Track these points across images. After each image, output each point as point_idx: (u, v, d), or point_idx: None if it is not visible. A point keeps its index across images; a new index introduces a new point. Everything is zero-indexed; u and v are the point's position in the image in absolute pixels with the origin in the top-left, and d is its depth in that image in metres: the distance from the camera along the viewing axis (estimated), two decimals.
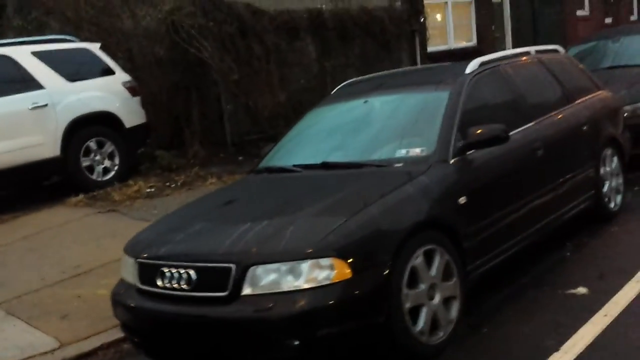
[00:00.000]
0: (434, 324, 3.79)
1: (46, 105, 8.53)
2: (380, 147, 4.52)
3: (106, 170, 9.06)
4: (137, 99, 9.60)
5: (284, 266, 3.39)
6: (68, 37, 9.46)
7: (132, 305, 3.82)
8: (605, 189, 5.77)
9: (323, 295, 3.34)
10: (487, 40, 16.72)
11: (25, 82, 8.51)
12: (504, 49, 16.87)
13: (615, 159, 5.96)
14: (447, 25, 15.69)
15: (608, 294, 4.27)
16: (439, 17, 15.48)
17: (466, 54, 15.70)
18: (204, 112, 10.35)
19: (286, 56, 11.42)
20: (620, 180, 6.04)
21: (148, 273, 3.78)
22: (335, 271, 3.36)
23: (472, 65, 4.93)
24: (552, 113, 5.34)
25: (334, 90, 5.64)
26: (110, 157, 9.12)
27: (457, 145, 4.28)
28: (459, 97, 4.57)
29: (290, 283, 3.37)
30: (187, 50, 9.38)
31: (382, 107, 4.95)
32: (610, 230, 5.59)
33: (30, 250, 6.52)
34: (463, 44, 16.16)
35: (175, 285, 3.61)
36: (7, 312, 5.15)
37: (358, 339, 3.49)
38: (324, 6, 12.54)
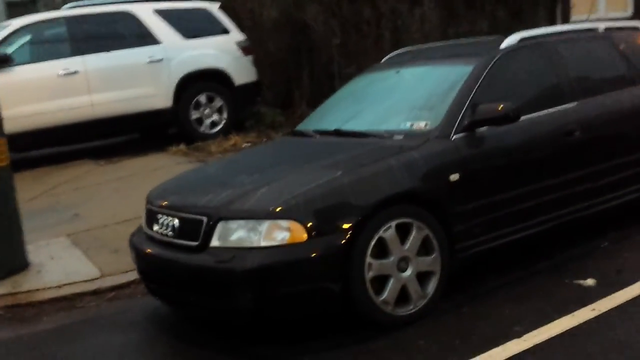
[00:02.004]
0: (404, 297, 3.84)
1: (162, 59, 9.26)
2: (392, 118, 4.54)
3: (214, 124, 9.69)
4: (249, 58, 10.08)
5: (247, 223, 3.61)
6: None
7: (136, 246, 4.24)
8: None
9: (276, 255, 3.52)
10: None
11: (144, 37, 9.29)
12: None
13: None
14: None
15: (612, 289, 4.03)
16: None
17: None
18: (314, 73, 10.62)
19: (405, 21, 11.35)
20: None
21: (150, 219, 4.18)
22: (291, 233, 3.53)
23: (510, 40, 4.74)
24: (606, 94, 5.00)
25: (385, 58, 5.66)
26: (219, 111, 9.73)
27: (464, 121, 4.21)
28: (481, 73, 4.44)
29: (251, 240, 3.59)
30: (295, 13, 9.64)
31: (409, 79, 4.94)
32: None
33: (117, 190, 7.24)
34: (616, 13, 15.01)
35: (164, 232, 3.98)
36: (72, 242, 5.85)
37: (314, 303, 3.64)
38: None
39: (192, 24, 9.76)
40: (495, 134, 4.29)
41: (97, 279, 5.12)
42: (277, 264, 3.51)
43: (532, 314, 3.82)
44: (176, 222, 3.89)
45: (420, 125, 4.28)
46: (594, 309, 3.80)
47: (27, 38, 8.79)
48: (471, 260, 4.21)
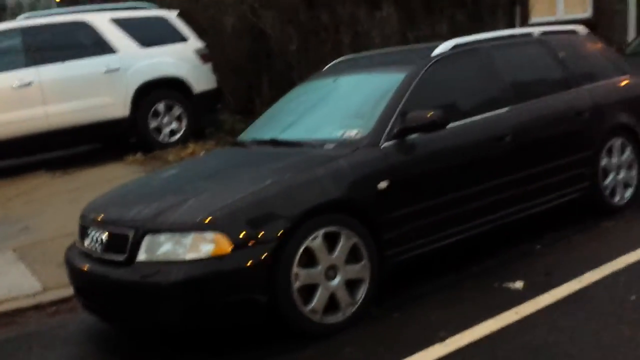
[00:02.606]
0: (333, 305, 3.89)
1: (118, 69, 9.23)
2: (325, 127, 4.61)
3: (173, 132, 9.67)
4: (209, 65, 10.08)
5: (173, 236, 3.65)
6: (147, 5, 10.12)
7: (69, 261, 4.25)
8: (608, 181, 5.43)
9: (200, 268, 3.56)
10: (607, 13, 15.60)
11: (101, 47, 9.25)
12: (624, 23, 15.76)
13: (629, 150, 5.57)
14: None
15: (538, 292, 4.11)
16: None
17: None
18: (273, 80, 10.66)
19: (364, 26, 11.43)
20: (633, 174, 5.64)
21: (82, 234, 4.20)
22: (215, 245, 3.57)
23: (442, 47, 4.82)
24: (540, 98, 5.10)
25: (327, 66, 5.72)
26: (178, 119, 9.71)
27: (394, 129, 4.27)
28: (412, 81, 4.52)
29: (177, 253, 3.62)
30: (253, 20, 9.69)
31: (345, 87, 5.00)
32: (602, 226, 5.28)
33: (70, 202, 7.21)
34: (575, 15, 15.21)
35: (94, 246, 4.00)
36: (18, 256, 5.84)
37: (240, 314, 3.68)
38: None
39: (149, 33, 9.73)
40: (426, 141, 4.36)
41: (39, 293, 5.12)
42: (202, 277, 3.55)
43: (457, 318, 3.89)
44: (104, 236, 3.92)
45: (351, 133, 4.34)
46: (517, 313, 3.88)
47: None
48: (402, 266, 4.28)
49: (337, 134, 4.40)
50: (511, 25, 13.79)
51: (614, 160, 5.49)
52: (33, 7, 19.01)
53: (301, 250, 3.74)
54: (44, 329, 4.61)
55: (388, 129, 4.26)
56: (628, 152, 5.58)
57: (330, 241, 3.88)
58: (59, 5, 19.62)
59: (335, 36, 10.48)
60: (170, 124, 9.64)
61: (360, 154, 4.14)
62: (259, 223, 3.68)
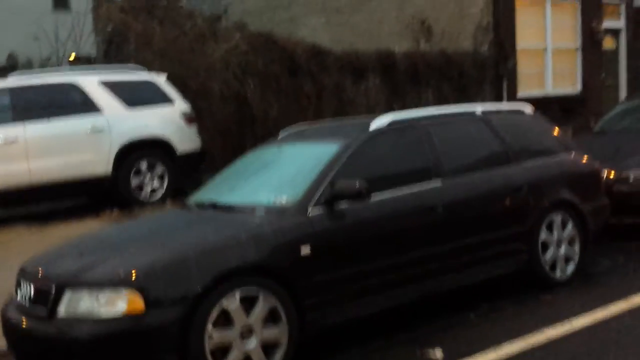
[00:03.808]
0: None
1: (103, 128, 9.56)
2: (261, 193, 4.81)
3: (154, 191, 9.92)
4: (193, 127, 10.40)
5: (90, 293, 3.80)
6: (137, 66, 10.53)
7: (3, 313, 4.39)
8: (548, 255, 5.55)
9: (112, 326, 3.71)
10: (594, 88, 15.95)
11: (87, 106, 9.60)
12: (616, 98, 16.07)
13: (570, 225, 5.71)
14: (545, 71, 15.19)
15: None
16: (535, 62, 15.02)
17: (567, 101, 15.20)
18: (256, 144, 10.94)
19: (349, 95, 11.79)
20: (576, 248, 5.76)
21: (16, 287, 4.36)
22: (129, 304, 3.72)
23: (379, 122, 5.06)
24: (475, 173, 5.28)
25: (280, 133, 5.96)
26: (160, 179, 9.97)
27: (322, 197, 4.45)
28: (345, 152, 4.73)
29: (93, 310, 3.78)
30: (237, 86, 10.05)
31: (286, 155, 5.24)
32: (541, 299, 5.37)
33: None
34: (564, 90, 15.55)
35: (22, 300, 4.16)
36: None
37: None
38: (396, 48, 12.78)
39: (136, 94, 10.08)
40: (354, 210, 4.54)
41: None
42: (113, 335, 3.70)
43: None
44: (32, 289, 4.08)
45: (282, 199, 4.53)
46: None
47: None
48: (324, 331, 4.38)
49: (269, 199, 4.59)
50: (499, 99, 14.14)
51: (555, 235, 5.61)
52: (43, 65, 19.65)
53: (216, 311, 3.87)
54: None
55: (316, 196, 4.45)
56: (569, 228, 5.71)
57: (249, 303, 4.01)
58: (71, 64, 20.32)
59: (318, 103, 10.82)
60: (151, 182, 9.89)
61: (285, 220, 4.32)
62: (175, 283, 3.84)
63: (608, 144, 7.79)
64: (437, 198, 4.93)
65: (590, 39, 15.69)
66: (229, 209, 4.68)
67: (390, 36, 14.17)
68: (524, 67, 14.61)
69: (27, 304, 4.09)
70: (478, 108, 5.75)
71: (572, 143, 6.26)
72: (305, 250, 4.25)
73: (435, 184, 4.99)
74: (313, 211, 4.41)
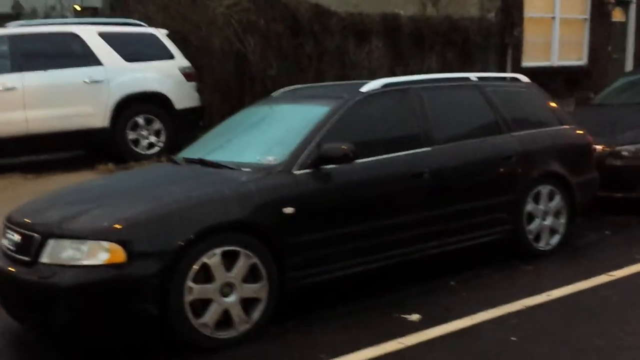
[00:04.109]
0: (227, 321, 4.07)
1: (101, 80, 9.54)
2: (249, 151, 4.82)
3: (151, 145, 9.94)
4: (193, 83, 10.37)
5: (72, 243, 3.86)
6: (137, 22, 10.45)
7: None
8: (533, 226, 5.58)
9: (93, 274, 3.77)
10: (601, 60, 15.81)
11: (87, 58, 9.58)
12: (622, 71, 15.91)
13: (558, 197, 5.73)
14: (552, 41, 15.04)
15: (429, 326, 4.28)
16: (542, 32, 14.85)
17: (572, 73, 15.09)
18: (254, 102, 10.93)
19: (351, 58, 11.71)
20: (562, 221, 5.79)
21: (4, 234, 4.43)
22: (110, 254, 3.78)
23: (372, 85, 5.05)
24: (465, 141, 5.29)
25: (273, 93, 5.95)
26: (157, 134, 9.99)
27: (308, 159, 4.47)
28: (335, 114, 4.74)
29: (76, 258, 3.84)
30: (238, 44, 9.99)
31: (277, 115, 5.24)
32: (521, 269, 5.43)
33: None
34: (570, 62, 15.42)
35: (9, 246, 4.22)
36: None
37: (131, 322, 3.87)
38: (402, 12, 12.65)
39: (136, 48, 10.04)
40: (341, 172, 4.56)
41: None
42: (94, 283, 3.76)
43: (344, 343, 4.06)
44: (17, 237, 4.14)
45: (269, 159, 4.55)
46: (400, 342, 4.05)
47: None
48: (305, 290, 4.45)
49: (256, 158, 4.62)
50: (502, 67, 14.04)
51: (541, 206, 5.64)
52: (48, 15, 19.49)
53: (196, 265, 3.93)
54: None
55: (302, 157, 4.47)
56: (557, 200, 5.74)
57: (230, 259, 4.07)
58: (78, 14, 20.17)
59: (319, 65, 10.76)
60: (148, 137, 9.91)
61: (270, 179, 4.35)
62: (157, 236, 3.89)
63: (605, 118, 7.76)
64: (424, 164, 4.94)
65: (600, 10, 15.51)
66: (216, 165, 4.70)
67: None
68: (531, 36, 14.48)
69: (13, 251, 4.15)
70: (473, 75, 5.72)
71: (566, 116, 6.25)
72: (289, 210, 4.28)
73: (424, 150, 5.00)
74: (299, 172, 4.43)
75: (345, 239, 4.54)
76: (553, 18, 14.91)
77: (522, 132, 5.63)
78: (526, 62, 14.37)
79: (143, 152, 9.80)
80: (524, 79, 6.12)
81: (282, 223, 4.27)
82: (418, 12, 13.33)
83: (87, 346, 4.16)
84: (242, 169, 4.51)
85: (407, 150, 4.95)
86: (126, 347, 4.10)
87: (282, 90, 5.93)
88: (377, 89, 5.04)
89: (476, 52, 13.37)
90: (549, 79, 14.63)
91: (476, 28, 13.25)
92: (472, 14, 13.50)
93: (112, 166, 9.11)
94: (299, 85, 6.17)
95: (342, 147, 4.43)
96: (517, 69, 13.98)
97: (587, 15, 15.35)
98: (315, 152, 4.49)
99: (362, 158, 4.65)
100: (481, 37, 13.36)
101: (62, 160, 10.08)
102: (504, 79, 6.09)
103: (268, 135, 5.01)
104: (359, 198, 4.65)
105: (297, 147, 4.53)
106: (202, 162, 4.84)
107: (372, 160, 4.72)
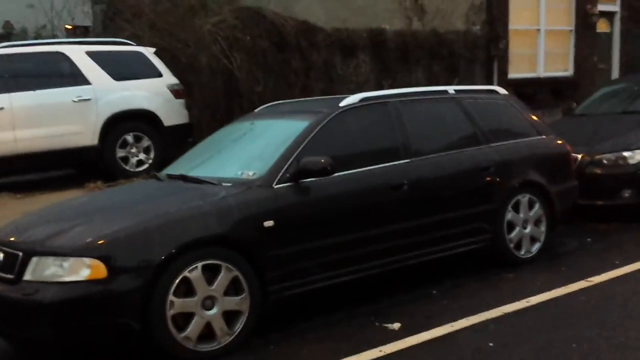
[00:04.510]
0: (209, 333, 4.14)
1: (90, 99, 9.63)
2: (229, 166, 4.91)
3: (140, 163, 10.02)
4: (181, 100, 10.47)
5: (55, 260, 3.94)
6: (125, 41, 10.57)
7: None
8: (513, 235, 5.67)
9: (75, 290, 3.85)
10: (587, 71, 15.98)
11: (75, 77, 9.67)
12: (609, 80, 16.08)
13: (537, 206, 5.83)
14: (537, 53, 15.20)
15: (409, 334, 4.35)
16: (527, 43, 15.02)
17: (558, 83, 15.26)
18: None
19: (338, 72, 11.84)
20: (542, 229, 5.88)
21: None
22: (92, 270, 3.85)
23: (350, 100, 5.15)
24: (444, 153, 5.39)
25: (257, 109, 6.05)
26: (146, 151, 10.07)
27: (287, 172, 4.56)
28: (313, 129, 4.83)
29: (58, 275, 3.91)
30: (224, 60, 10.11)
31: (258, 130, 5.34)
32: (503, 277, 5.51)
33: None
34: (556, 72, 15.58)
35: None
36: None
37: (113, 336, 3.95)
38: (387, 27, 12.80)
39: (123, 67, 10.13)
40: (320, 186, 4.65)
41: None
42: (75, 299, 3.83)
43: (325, 353, 4.15)
44: (1, 256, 4.21)
45: (249, 174, 4.64)
46: (381, 350, 4.13)
47: None
48: (285, 302, 4.52)
49: (237, 173, 4.70)
50: (489, 79, 14.19)
51: (521, 215, 5.74)
52: (38, 35, 19.62)
53: (177, 280, 4.01)
54: None
55: (282, 171, 4.56)
56: (536, 208, 5.83)
57: (211, 273, 4.14)
58: (69, 33, 20.29)
59: (305, 81, 10.88)
60: (137, 154, 9.99)
61: (250, 194, 4.43)
62: (138, 252, 3.97)
63: (585, 127, 7.89)
64: (402, 176, 5.03)
65: (584, 21, 15.69)
66: (197, 181, 4.78)
67: (384, 13, 14.15)
68: (516, 48, 14.63)
69: None
70: (451, 88, 5.83)
71: (545, 126, 6.35)
72: (269, 223, 4.36)
73: (402, 162, 5.09)
74: (278, 186, 4.51)
75: (326, 250, 4.62)
76: (538, 30, 15.08)
77: (500, 143, 5.74)
78: (512, 74, 14.51)
79: (132, 170, 9.88)
80: (502, 91, 6.24)
81: (262, 236, 4.35)
82: (404, 26, 13.48)
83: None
84: (223, 184, 4.59)
85: (386, 162, 5.04)
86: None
87: (264, 106, 6.03)
88: (355, 103, 5.14)
89: (462, 65, 13.51)
90: (536, 90, 14.83)
91: (462, 41, 13.40)
92: (457, 28, 13.66)
93: (101, 184, 9.16)
94: (281, 101, 6.28)
95: (321, 160, 4.53)
96: (504, 80, 14.13)
97: (572, 27, 15.52)
98: (295, 166, 4.58)
99: (341, 171, 4.74)
100: (467, 50, 13.52)
101: (51, 179, 10.15)
102: (482, 91, 6.21)
103: (249, 151, 5.10)
104: (339, 210, 4.73)
105: (276, 162, 4.62)
106: (184, 178, 4.92)
107: (351, 173, 4.82)
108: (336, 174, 4.68)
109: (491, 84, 14.08)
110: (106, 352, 4.13)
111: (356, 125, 5.09)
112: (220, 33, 10.01)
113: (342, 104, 5.10)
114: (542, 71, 15.32)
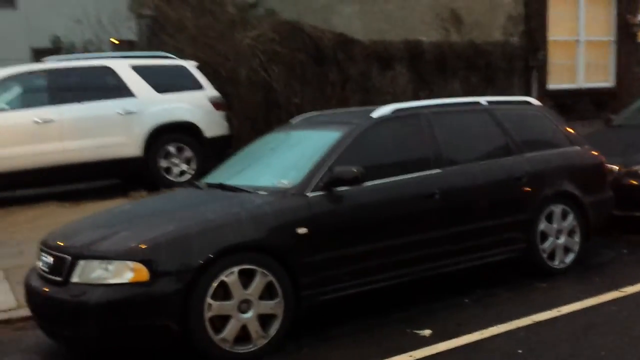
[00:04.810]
0: (245, 336, 4.31)
1: (134, 111, 9.97)
2: (265, 176, 5.10)
3: (182, 173, 10.31)
4: (222, 112, 10.74)
5: (101, 263, 4.16)
6: (168, 55, 10.91)
7: (26, 280, 4.79)
8: (546, 245, 5.72)
9: (119, 292, 4.07)
10: (628, 81, 15.79)
11: (120, 90, 10.03)
12: None
13: (571, 216, 5.86)
14: (577, 63, 15.11)
15: (440, 340, 4.45)
16: (567, 54, 14.94)
17: (599, 94, 15.13)
18: None
19: (375, 84, 11.99)
20: (576, 239, 5.91)
21: (38, 257, 4.75)
22: (135, 274, 4.06)
23: (383, 111, 5.29)
24: (476, 163, 5.48)
25: (291, 120, 6.23)
26: (188, 161, 10.36)
27: (321, 181, 4.72)
28: (347, 139, 4.98)
29: (104, 278, 4.13)
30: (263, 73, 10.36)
31: (293, 140, 5.52)
32: (535, 286, 5.56)
33: None
34: (596, 83, 15.44)
35: (43, 268, 4.54)
36: (4, 276, 6.43)
37: (153, 337, 4.15)
38: (424, 38, 12.90)
39: (166, 80, 10.47)
40: (353, 194, 4.79)
41: (12, 309, 5.66)
42: (119, 301, 4.05)
43: (355, 357, 4.28)
44: (50, 259, 4.46)
45: (284, 182, 4.81)
46: (411, 356, 4.24)
47: (10, 87, 9.60)
48: (319, 307, 4.67)
49: (272, 182, 4.88)
50: (528, 90, 14.16)
51: (554, 225, 5.78)
52: (86, 48, 20.26)
53: (215, 284, 4.19)
54: (5, 339, 5.14)
55: (315, 181, 4.72)
56: (570, 219, 5.87)
57: (247, 277, 4.32)
58: (115, 46, 20.90)
59: (342, 92, 11.05)
60: (180, 164, 10.28)
61: (284, 201, 4.60)
62: (178, 256, 4.16)
63: (622, 138, 7.86)
64: (435, 185, 5.15)
65: (625, 31, 15.52)
66: (234, 189, 4.97)
67: (422, 25, 14.27)
68: (556, 58, 14.57)
69: (46, 272, 4.46)
70: (483, 99, 5.92)
71: (579, 137, 6.38)
72: (302, 230, 4.52)
73: (434, 172, 5.20)
74: (312, 194, 4.67)
75: (358, 258, 4.76)
76: (577, 41, 14.98)
77: (533, 154, 5.80)
78: (552, 85, 14.45)
79: (175, 179, 10.15)
80: (535, 102, 6.31)
81: (296, 243, 4.51)
82: (441, 38, 13.56)
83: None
84: (259, 192, 4.77)
85: (418, 172, 5.16)
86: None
87: (299, 117, 6.21)
88: (387, 115, 5.28)
89: (500, 76, 13.52)
90: (575, 101, 14.73)
91: (499, 52, 13.42)
92: (495, 39, 13.69)
93: (144, 193, 9.46)
94: (315, 112, 6.45)
95: (353, 170, 4.68)
96: (543, 91, 14.08)
97: (613, 37, 15.38)
98: (328, 175, 4.73)
99: (373, 180, 4.88)
100: (505, 61, 13.52)
101: (97, 189, 10.50)
102: (514, 102, 6.28)
103: (284, 160, 5.28)
104: (371, 218, 4.87)
105: (310, 171, 4.78)
106: (222, 187, 5.12)
107: (382, 182, 4.95)
108: (368, 183, 4.82)
109: (530, 94, 14.03)
110: (145, 354, 4.34)
111: (388, 136, 5.23)
112: (259, 47, 10.27)
113: (374, 115, 5.24)
114: (583, 82, 15.20)
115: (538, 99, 14.12)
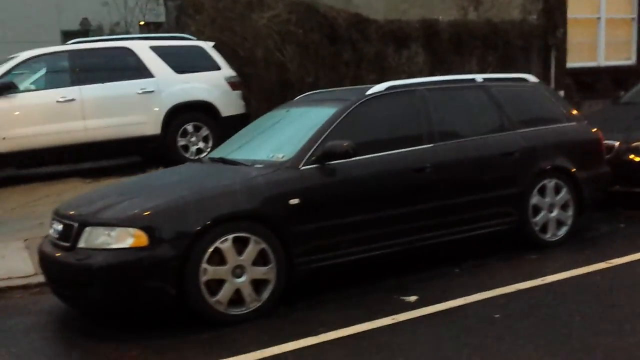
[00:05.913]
0: (239, 299, 4.60)
1: (153, 91, 10.30)
2: (263, 150, 5.35)
3: (200, 151, 10.64)
4: (238, 92, 11.02)
5: (105, 230, 4.47)
6: (186, 36, 11.20)
7: (39, 248, 5.14)
8: (538, 218, 5.89)
9: (120, 256, 4.38)
10: None
11: (140, 71, 10.36)
12: None
13: (564, 191, 6.02)
14: (597, 41, 15.03)
15: (424, 305, 4.68)
16: (587, 32, 14.87)
17: (620, 72, 15.04)
18: None
19: (391, 64, 12.12)
20: (569, 213, 6.07)
21: (50, 225, 5.09)
22: (135, 239, 4.37)
23: (377, 88, 5.50)
24: (469, 139, 5.66)
25: (296, 98, 6.47)
26: (205, 140, 10.68)
27: (314, 155, 4.97)
28: (340, 115, 5.21)
29: (107, 243, 4.45)
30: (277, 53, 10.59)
31: (292, 117, 5.76)
32: (526, 258, 5.74)
33: None
34: (617, 61, 15.35)
35: (53, 234, 4.88)
36: (25, 245, 6.82)
37: (153, 298, 4.45)
38: (441, 17, 12.98)
39: (184, 60, 10.77)
40: (344, 167, 5.03)
41: (30, 276, 6.04)
42: (120, 264, 4.36)
43: (343, 319, 4.52)
44: (60, 227, 4.79)
45: (279, 156, 5.06)
46: (393, 319, 4.48)
47: (34, 68, 9.99)
48: (312, 274, 4.93)
49: (269, 156, 5.14)
50: (546, 68, 14.15)
51: (547, 199, 5.94)
52: (113, 31, 20.67)
53: (210, 250, 4.48)
54: (22, 303, 5.52)
55: (309, 154, 4.97)
56: (563, 193, 6.02)
57: (241, 244, 4.60)
58: (141, 28, 21.32)
59: (357, 72, 11.23)
60: (197, 143, 10.60)
61: (278, 174, 4.86)
62: (175, 224, 4.46)
63: (627, 115, 7.94)
64: (425, 159, 5.35)
65: None
66: (233, 163, 5.25)
67: (441, 4, 14.32)
68: (575, 37, 14.51)
69: (57, 239, 4.80)
70: (478, 76, 6.08)
71: (577, 113, 6.50)
72: (294, 201, 4.78)
73: (425, 146, 5.41)
74: (305, 167, 4.92)
75: (349, 227, 5.00)
76: (598, 18, 14.89)
77: (527, 129, 5.95)
78: (571, 63, 14.41)
79: (192, 157, 10.50)
80: (532, 78, 6.44)
81: (288, 213, 4.76)
82: (459, 17, 13.61)
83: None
84: (255, 165, 5.04)
85: (410, 147, 5.37)
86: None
87: (301, 95, 6.45)
88: (381, 91, 5.49)
89: (518, 55, 13.54)
90: (595, 79, 14.68)
91: (517, 31, 13.42)
92: (514, 17, 13.69)
93: (161, 169, 9.81)
94: (317, 90, 6.67)
95: (344, 143, 4.91)
96: (562, 69, 14.09)
97: (635, 15, 15.25)
98: (321, 149, 4.97)
99: (365, 154, 5.11)
100: (522, 40, 13.53)
101: (118, 166, 10.89)
102: (511, 79, 6.41)
103: (281, 135, 5.53)
104: (361, 191, 5.10)
105: (303, 145, 5.02)
106: (223, 161, 5.40)
107: (374, 156, 5.17)
108: (360, 157, 5.05)
109: (548, 73, 14.07)
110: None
111: (382, 112, 5.43)
112: (274, 27, 10.48)
113: (368, 92, 5.45)
114: (603, 60, 15.12)
115: (556, 77, 14.19)
